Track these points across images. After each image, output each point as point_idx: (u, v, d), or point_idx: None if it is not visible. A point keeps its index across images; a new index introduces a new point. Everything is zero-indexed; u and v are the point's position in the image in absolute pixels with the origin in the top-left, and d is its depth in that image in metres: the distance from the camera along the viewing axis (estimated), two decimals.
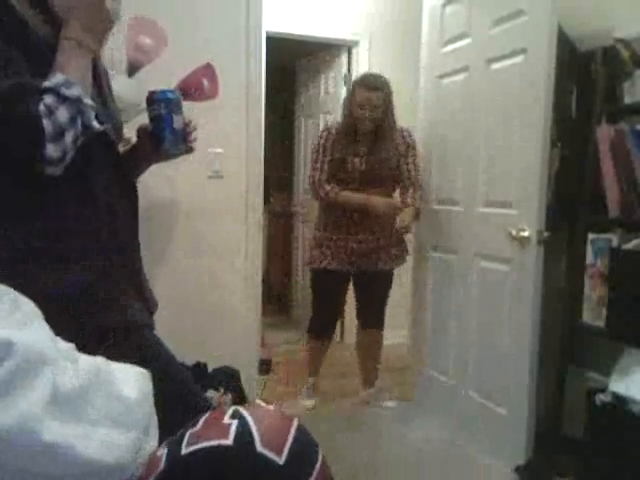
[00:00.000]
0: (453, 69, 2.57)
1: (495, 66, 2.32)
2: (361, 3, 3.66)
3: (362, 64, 3.68)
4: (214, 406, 1.29)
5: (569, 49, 2.25)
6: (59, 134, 0.99)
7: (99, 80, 1.20)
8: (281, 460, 0.71)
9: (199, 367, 2.21)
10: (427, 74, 2.75)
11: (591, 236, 2.11)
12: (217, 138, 2.54)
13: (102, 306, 1.11)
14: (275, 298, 4.83)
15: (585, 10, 2.30)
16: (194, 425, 0.76)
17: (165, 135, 1.28)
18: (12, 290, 0.82)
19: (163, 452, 0.75)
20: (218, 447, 0.71)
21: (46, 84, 1.00)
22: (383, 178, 2.61)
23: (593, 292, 2.10)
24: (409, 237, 2.81)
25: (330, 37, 3.65)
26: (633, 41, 2.08)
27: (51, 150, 0.98)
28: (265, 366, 3.10)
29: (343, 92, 3.78)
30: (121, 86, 1.70)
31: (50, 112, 0.98)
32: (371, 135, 2.58)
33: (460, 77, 2.53)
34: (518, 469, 2.14)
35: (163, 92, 1.29)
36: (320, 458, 0.76)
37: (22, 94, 0.97)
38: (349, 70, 3.77)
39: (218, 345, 2.51)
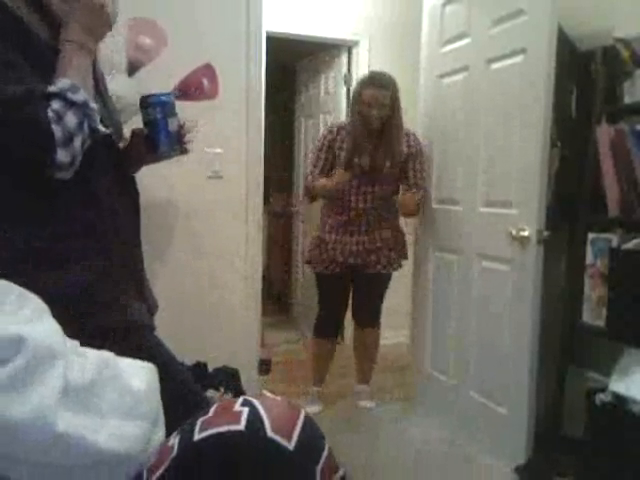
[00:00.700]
0: (453, 69, 2.57)
1: (495, 66, 2.32)
2: (361, 3, 3.66)
3: (362, 64, 3.68)
4: None
5: (569, 49, 2.25)
6: (68, 139, 1.00)
7: (97, 81, 1.21)
8: (291, 446, 0.73)
9: (199, 367, 2.21)
10: (427, 74, 2.75)
11: (591, 236, 2.11)
12: (217, 138, 2.55)
13: (102, 306, 1.11)
14: (275, 298, 4.83)
15: (585, 10, 2.30)
16: (205, 413, 0.78)
17: (160, 139, 1.28)
18: (18, 287, 0.83)
19: (175, 440, 0.77)
20: (230, 432, 0.73)
21: (52, 89, 1.01)
22: (388, 177, 2.60)
23: (593, 292, 2.10)
24: (408, 238, 2.81)
25: (330, 37, 3.65)
26: (633, 41, 2.08)
27: (62, 155, 1.00)
28: (265, 366, 3.10)
29: (343, 92, 3.78)
30: (121, 86, 1.71)
31: (59, 118, 0.99)
32: (378, 134, 2.56)
33: (460, 77, 2.53)
34: (518, 469, 2.14)
35: (157, 96, 1.29)
36: (326, 447, 0.78)
37: (29, 99, 0.98)
38: (349, 70, 3.77)
39: (218, 345, 2.51)
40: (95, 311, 1.09)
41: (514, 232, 2.17)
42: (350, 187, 2.58)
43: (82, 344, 0.88)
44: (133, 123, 1.50)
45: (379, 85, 2.49)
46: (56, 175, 1.02)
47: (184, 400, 1.14)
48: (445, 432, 2.53)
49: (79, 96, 1.03)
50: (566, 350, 2.27)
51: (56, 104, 1.00)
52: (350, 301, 2.82)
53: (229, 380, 2.19)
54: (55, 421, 0.73)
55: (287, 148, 4.66)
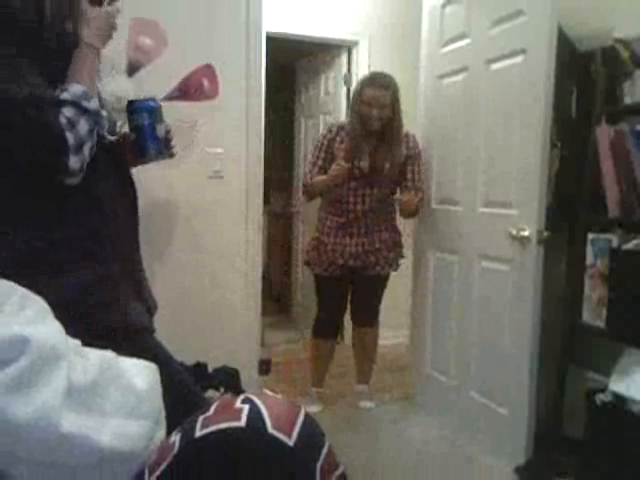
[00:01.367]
0: (453, 69, 2.57)
1: (495, 66, 2.32)
2: (361, 3, 3.66)
3: (362, 64, 3.68)
4: None
5: (569, 49, 2.25)
6: (80, 146, 1.02)
7: None
8: (291, 442, 0.73)
9: (199, 367, 2.21)
10: (427, 74, 2.76)
11: (591, 236, 2.11)
12: (217, 138, 2.55)
13: (102, 308, 1.11)
14: (275, 298, 4.83)
15: (585, 10, 2.30)
16: (206, 411, 0.79)
17: (148, 145, 1.29)
18: (21, 287, 0.83)
19: (176, 437, 0.78)
20: (231, 429, 0.74)
21: (66, 97, 1.02)
22: (386, 179, 2.59)
23: (593, 292, 2.10)
24: (407, 239, 2.81)
25: (330, 37, 3.65)
26: (633, 41, 2.09)
27: (73, 162, 1.02)
28: (265, 366, 3.10)
29: (343, 92, 3.78)
30: (121, 86, 1.71)
31: (72, 125, 1.01)
32: (378, 135, 2.55)
33: (460, 77, 2.53)
34: (518, 469, 2.14)
35: (145, 101, 1.30)
36: (327, 445, 0.79)
37: (38, 104, 0.99)
38: (349, 70, 3.77)
39: (218, 345, 2.51)
40: (95, 313, 1.09)
41: (514, 232, 2.17)
42: (348, 189, 2.57)
43: (83, 345, 0.88)
44: None
45: (380, 85, 2.48)
46: (66, 181, 1.03)
47: (183, 401, 1.14)
48: (445, 432, 2.53)
49: (92, 104, 1.06)
50: (566, 350, 2.27)
51: (69, 111, 1.02)
52: (349, 301, 2.82)
53: (229, 380, 2.19)
54: (59, 421, 0.74)
55: (287, 148, 4.66)
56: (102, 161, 1.15)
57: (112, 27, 1.20)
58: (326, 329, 2.80)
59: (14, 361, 0.73)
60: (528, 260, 2.14)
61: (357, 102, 2.54)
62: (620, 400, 1.91)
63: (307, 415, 0.79)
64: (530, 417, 2.17)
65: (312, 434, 0.78)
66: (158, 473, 0.75)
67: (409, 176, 2.61)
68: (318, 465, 0.75)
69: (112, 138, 1.15)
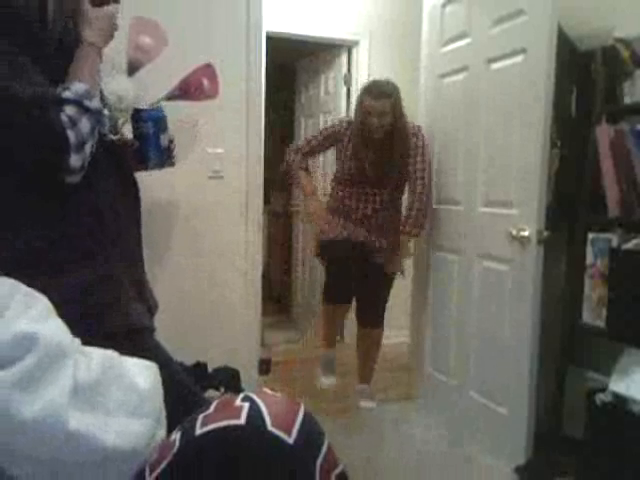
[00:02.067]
0: (453, 69, 2.57)
1: (495, 66, 2.32)
2: (361, 3, 3.66)
3: (362, 64, 3.69)
4: None
5: (569, 49, 2.25)
6: (81, 144, 1.02)
7: None
8: (291, 440, 0.74)
9: (199, 367, 2.21)
10: (427, 74, 2.76)
11: (591, 236, 2.11)
12: (217, 138, 2.55)
13: (103, 308, 1.11)
14: (275, 298, 4.83)
15: (585, 10, 2.30)
16: (206, 409, 0.79)
17: (151, 153, 1.31)
18: (25, 286, 0.84)
19: (176, 435, 0.78)
20: (231, 427, 0.74)
21: (68, 95, 1.03)
22: (392, 181, 2.61)
23: (593, 292, 2.10)
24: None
25: (330, 37, 3.65)
26: (633, 41, 2.09)
27: (74, 160, 1.02)
28: (265, 366, 3.10)
29: (343, 92, 3.78)
30: (122, 85, 1.71)
31: (73, 123, 1.01)
32: (382, 141, 2.54)
33: (460, 77, 2.53)
34: (518, 469, 2.14)
35: (151, 111, 1.31)
36: (326, 443, 0.79)
37: (40, 103, 0.99)
38: (349, 70, 3.77)
39: (218, 345, 2.51)
40: (96, 313, 1.09)
41: (514, 232, 2.17)
42: (350, 194, 2.62)
43: (84, 345, 0.88)
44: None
45: (377, 95, 2.48)
46: (67, 179, 1.04)
47: (183, 401, 1.14)
48: (445, 432, 2.53)
49: (94, 103, 1.06)
50: (566, 350, 2.27)
51: (70, 110, 1.02)
52: (354, 302, 2.81)
53: (229, 380, 2.19)
54: (67, 419, 0.74)
55: (287, 148, 4.65)
56: (103, 160, 1.16)
57: (113, 27, 1.21)
58: (337, 293, 2.78)
59: (21, 359, 0.74)
60: (528, 260, 2.14)
61: (359, 109, 2.56)
62: (620, 400, 1.91)
63: (307, 413, 0.79)
64: (530, 417, 2.17)
65: (312, 432, 0.78)
66: (159, 471, 0.76)
67: (412, 175, 2.60)
68: (318, 463, 0.75)
69: (114, 137, 1.15)
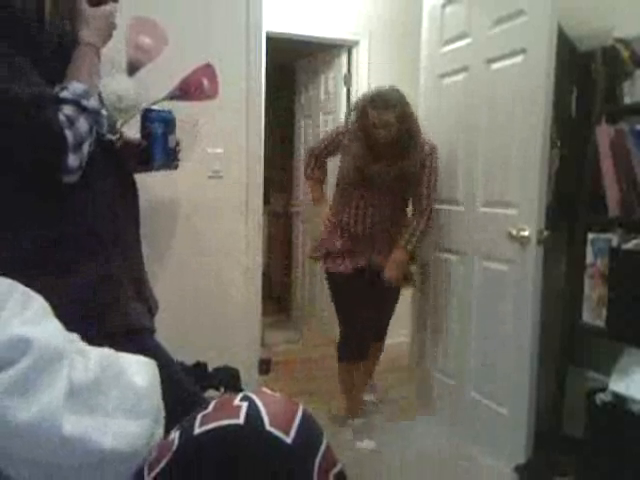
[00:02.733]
0: (453, 69, 2.57)
1: (495, 66, 2.32)
2: (361, 3, 3.66)
3: (362, 64, 3.69)
4: None
5: (569, 49, 2.25)
6: (79, 144, 1.03)
7: None
8: (289, 439, 0.74)
9: (199, 367, 2.21)
10: (427, 74, 2.76)
11: (591, 236, 2.11)
12: (217, 138, 2.55)
13: (104, 308, 1.11)
14: (275, 298, 4.83)
15: (585, 10, 2.30)
16: (205, 409, 0.79)
17: (157, 153, 1.32)
18: (22, 286, 0.83)
19: (175, 434, 0.78)
20: (230, 426, 0.74)
21: (66, 95, 1.03)
22: (398, 192, 2.49)
23: (593, 292, 2.10)
24: None
25: (330, 37, 3.64)
26: (633, 41, 2.09)
27: (72, 160, 1.02)
28: (265, 366, 3.10)
29: (343, 92, 3.78)
30: (122, 85, 1.71)
31: (71, 123, 1.01)
32: (391, 151, 2.40)
33: (460, 77, 2.53)
34: (518, 469, 2.14)
35: (162, 112, 1.33)
36: (325, 442, 0.79)
37: (39, 103, 0.99)
38: (349, 70, 3.77)
39: (218, 344, 2.51)
40: (97, 313, 1.09)
41: (514, 232, 2.17)
42: (350, 208, 2.48)
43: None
44: (135, 122, 1.50)
45: (383, 107, 2.34)
46: (64, 179, 1.04)
47: (183, 401, 1.14)
48: (445, 432, 2.53)
49: (92, 102, 1.06)
50: (566, 350, 2.27)
51: (68, 109, 1.02)
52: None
53: (229, 380, 2.19)
54: (61, 423, 0.74)
55: (287, 148, 4.66)
56: (100, 160, 1.15)
57: (111, 27, 1.20)
58: (353, 349, 2.54)
59: (15, 363, 0.73)
60: (528, 260, 2.14)
61: (362, 118, 2.40)
62: (620, 400, 1.91)
63: (305, 412, 0.80)
64: (530, 417, 2.17)
65: (310, 432, 0.78)
66: (157, 470, 0.76)
67: (417, 194, 2.50)
68: (316, 462, 0.75)
69: (112, 137, 1.15)
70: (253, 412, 0.75)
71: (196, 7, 2.47)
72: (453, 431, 2.52)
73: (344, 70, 3.78)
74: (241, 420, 0.74)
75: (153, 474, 0.76)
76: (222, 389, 2.10)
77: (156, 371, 0.93)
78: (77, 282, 1.07)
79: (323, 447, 0.78)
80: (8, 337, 0.74)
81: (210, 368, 2.25)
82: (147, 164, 1.34)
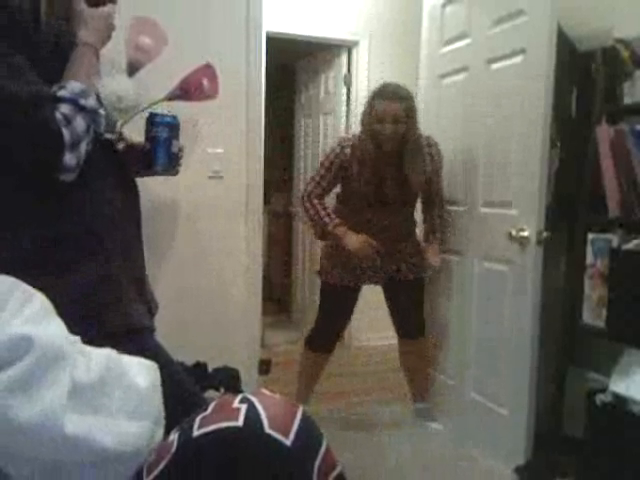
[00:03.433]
0: (453, 69, 2.57)
1: (495, 66, 2.32)
2: (361, 3, 3.66)
3: (362, 64, 3.69)
4: None
5: (569, 49, 2.25)
6: (76, 143, 1.03)
7: None
8: (288, 442, 0.74)
9: (199, 367, 2.21)
10: (427, 74, 2.75)
11: (591, 236, 2.10)
12: (217, 138, 2.55)
13: (104, 308, 1.11)
14: (275, 298, 4.83)
15: (585, 10, 2.30)
16: (204, 410, 0.79)
17: (160, 157, 1.33)
18: (24, 284, 0.83)
19: (174, 436, 0.78)
20: (229, 428, 0.74)
21: (63, 94, 1.03)
22: (406, 199, 2.43)
23: (593, 292, 2.10)
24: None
25: (330, 37, 3.65)
26: (633, 41, 2.09)
27: (69, 158, 1.02)
28: (265, 366, 3.10)
29: (343, 92, 3.78)
30: (122, 85, 1.71)
31: (68, 121, 1.02)
32: (395, 154, 2.31)
33: (460, 77, 2.53)
34: (518, 469, 2.14)
35: (167, 116, 1.34)
36: (324, 444, 0.79)
37: (37, 102, 0.99)
38: (349, 70, 3.77)
39: (218, 344, 2.51)
40: (97, 313, 1.09)
41: (514, 232, 2.17)
42: (358, 221, 2.38)
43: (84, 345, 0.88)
44: (135, 123, 1.50)
45: (392, 97, 2.22)
46: (62, 177, 1.04)
47: (183, 402, 1.14)
48: (445, 432, 2.53)
49: (90, 101, 1.06)
50: (566, 350, 2.27)
51: (65, 108, 1.02)
52: (389, 313, 2.60)
53: (229, 380, 2.19)
54: (64, 422, 0.74)
55: (287, 148, 4.66)
56: (100, 160, 1.15)
57: (110, 28, 1.20)
58: (325, 342, 2.54)
59: (17, 361, 0.73)
60: (528, 260, 2.14)
61: (368, 117, 2.29)
62: (620, 400, 1.91)
63: (305, 414, 0.79)
64: (530, 417, 2.17)
65: (310, 434, 0.78)
66: (156, 472, 0.75)
67: (432, 192, 2.47)
68: (316, 464, 0.75)
69: (111, 137, 1.15)
70: (252, 414, 0.75)
71: (196, 7, 2.47)
72: (453, 431, 2.51)
73: (344, 70, 3.78)
74: (240, 422, 0.74)
75: (152, 476, 0.76)
76: (222, 389, 2.10)
77: (157, 373, 0.93)
78: (77, 281, 1.07)
79: (323, 449, 0.78)
80: (10, 336, 0.74)
81: (210, 368, 2.26)
82: (149, 168, 1.34)
